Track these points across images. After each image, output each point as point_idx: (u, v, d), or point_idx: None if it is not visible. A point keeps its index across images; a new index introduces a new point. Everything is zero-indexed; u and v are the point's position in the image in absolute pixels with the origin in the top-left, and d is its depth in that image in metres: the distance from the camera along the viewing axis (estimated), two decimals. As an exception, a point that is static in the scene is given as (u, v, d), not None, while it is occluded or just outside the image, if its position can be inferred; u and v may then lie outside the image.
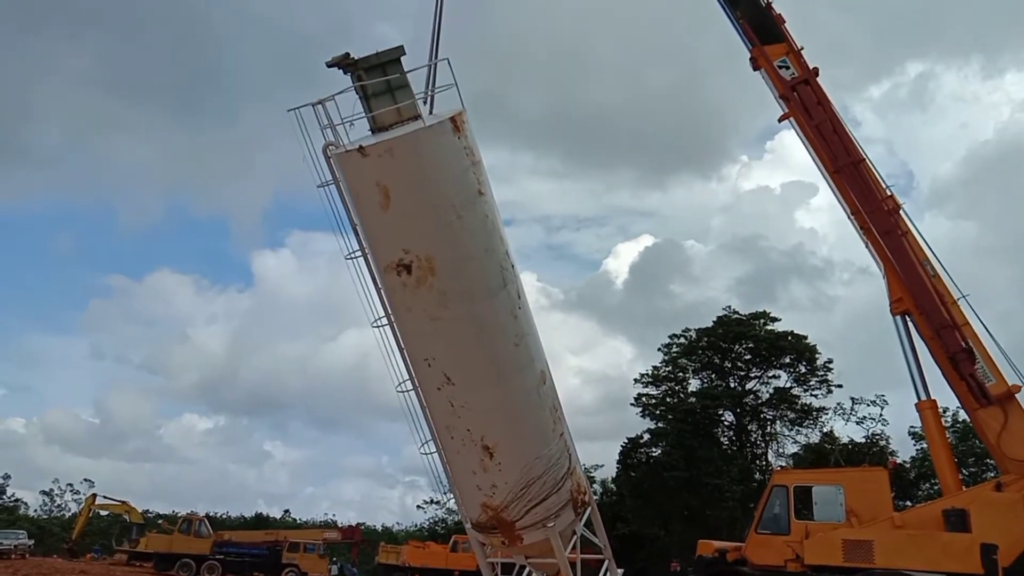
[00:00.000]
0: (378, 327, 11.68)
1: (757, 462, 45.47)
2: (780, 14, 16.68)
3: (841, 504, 15.81)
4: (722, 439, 46.15)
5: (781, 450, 46.00)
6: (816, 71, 16.30)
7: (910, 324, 16.02)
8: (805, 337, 45.56)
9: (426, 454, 12.26)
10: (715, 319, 47.46)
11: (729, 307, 48.14)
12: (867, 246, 16.21)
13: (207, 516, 47.77)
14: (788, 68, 16.42)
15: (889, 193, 16.14)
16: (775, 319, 46.61)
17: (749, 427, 46.80)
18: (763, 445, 46.11)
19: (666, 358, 48.70)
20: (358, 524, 51.99)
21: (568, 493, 11.88)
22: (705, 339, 46.95)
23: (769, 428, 46.38)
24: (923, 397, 16.01)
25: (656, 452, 44.99)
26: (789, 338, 45.32)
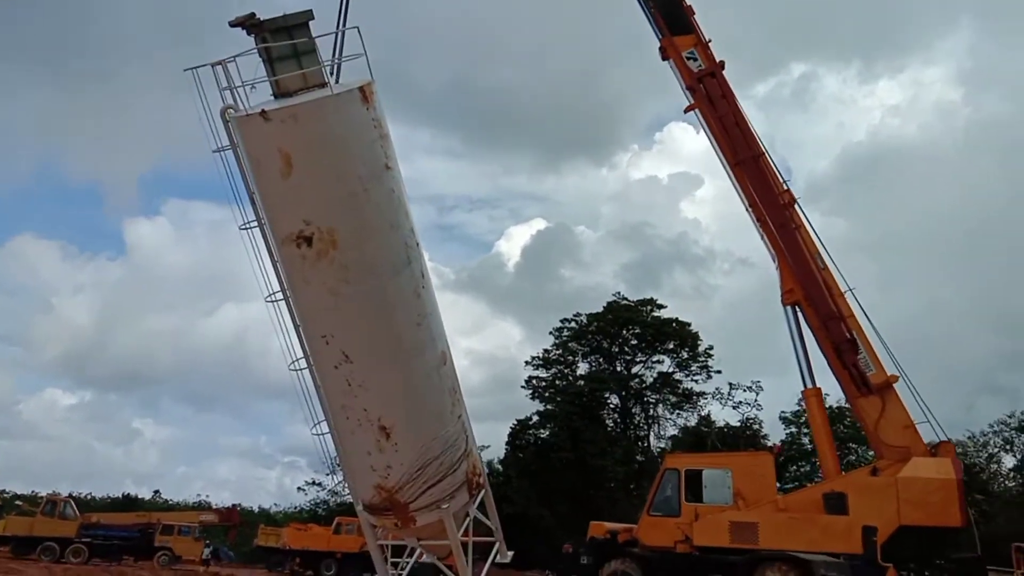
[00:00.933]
0: (272, 302, 11.20)
1: (639, 444, 47.31)
2: (690, 5, 16.96)
3: (729, 487, 16.49)
4: (607, 421, 47.66)
5: (662, 432, 48.08)
6: (722, 64, 16.74)
7: (799, 314, 16.66)
8: (688, 324, 47.69)
9: (318, 435, 11.91)
10: (605, 304, 48.85)
11: (619, 293, 49.72)
12: (762, 237, 16.83)
13: (71, 496, 44.47)
14: (696, 60, 16.76)
15: (785, 188, 16.74)
16: (661, 306, 48.54)
17: (633, 410, 48.57)
18: (646, 428, 48.00)
19: (557, 342, 49.67)
20: (235, 505, 49.90)
21: (464, 475, 11.84)
22: (595, 324, 48.21)
23: (652, 411, 48.31)
24: (809, 385, 16.80)
25: (544, 434, 45.89)
26: (674, 325, 47.24)
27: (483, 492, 12.89)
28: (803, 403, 45.99)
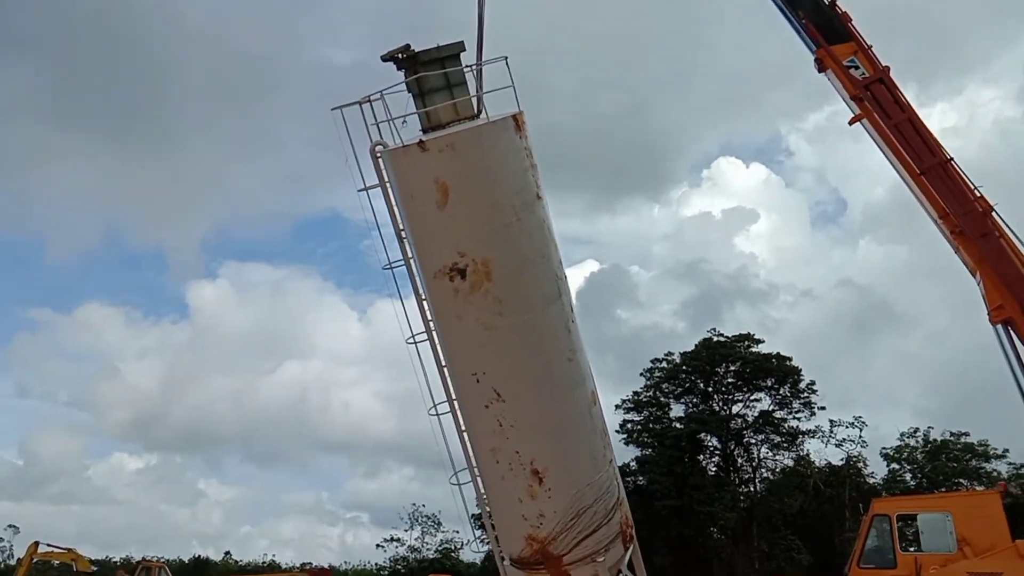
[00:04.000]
0: (413, 343, 10.87)
1: (744, 488, 44.92)
2: (846, 12, 15.72)
3: (951, 532, 14.88)
4: (708, 465, 45.56)
5: (766, 475, 45.61)
6: (887, 69, 15.42)
7: (1012, 332, 14.58)
8: (790, 359, 45.29)
9: (457, 484, 11.35)
10: (698, 342, 47.07)
11: (714, 329, 47.72)
12: (957, 251, 15.20)
13: (160, 561, 44.78)
14: (858, 67, 15.66)
15: (979, 194, 15.11)
16: (759, 340, 46.34)
17: (734, 452, 46.31)
18: (750, 470, 45.58)
19: (648, 383, 48.04)
20: (329, 566, 49.57)
21: (618, 525, 11.03)
22: (690, 363, 46.48)
23: (755, 453, 45.93)
24: None
25: (642, 481, 44.16)
26: (773, 360, 45.01)
27: (633, 546, 12.00)
28: (909, 438, 42.91)
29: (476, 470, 10.96)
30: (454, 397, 10.72)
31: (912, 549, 15.29)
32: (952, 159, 15.16)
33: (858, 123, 15.54)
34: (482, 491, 11.07)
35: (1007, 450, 39.14)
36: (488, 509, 11.21)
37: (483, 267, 9.36)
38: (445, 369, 10.62)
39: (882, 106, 15.29)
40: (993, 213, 14.87)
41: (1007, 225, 14.96)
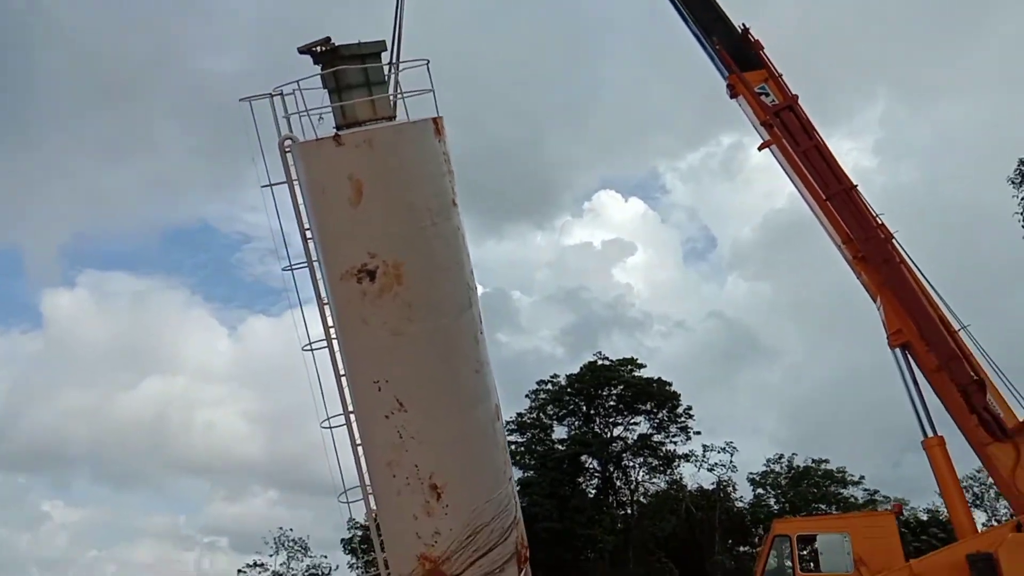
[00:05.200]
0: (310, 350, 10.31)
1: (622, 511, 45.88)
2: (758, 40, 16.19)
3: (848, 553, 15.21)
4: (588, 488, 46.27)
5: (642, 499, 46.82)
6: (796, 97, 15.83)
7: (910, 357, 15.20)
8: (670, 384, 46.85)
9: (347, 502, 10.79)
10: (583, 365, 47.99)
11: (599, 352, 48.76)
12: (859, 277, 15.67)
13: None
14: (768, 95, 15.86)
15: (881, 222, 15.59)
16: (641, 365, 47.72)
17: (613, 475, 47.33)
18: (628, 493, 46.67)
19: (533, 404, 48.43)
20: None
21: (514, 545, 10.77)
22: (574, 385, 47.26)
23: (633, 475, 47.13)
24: (930, 434, 15.14)
25: (524, 503, 44.16)
26: (654, 384, 46.44)
27: (526, 568, 11.77)
28: (774, 464, 45.64)
29: (368, 487, 10.47)
30: (350, 409, 10.24)
31: (811, 568, 15.69)
32: (856, 186, 15.68)
33: (767, 148, 15.98)
34: (373, 508, 10.58)
35: (863, 477, 42.18)
36: (378, 527, 10.70)
37: (394, 269, 9.02)
38: (343, 378, 10.13)
39: (791, 133, 15.68)
40: (894, 240, 15.39)
41: (906, 252, 15.43)
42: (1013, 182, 26.02)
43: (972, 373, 14.81)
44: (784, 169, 16.06)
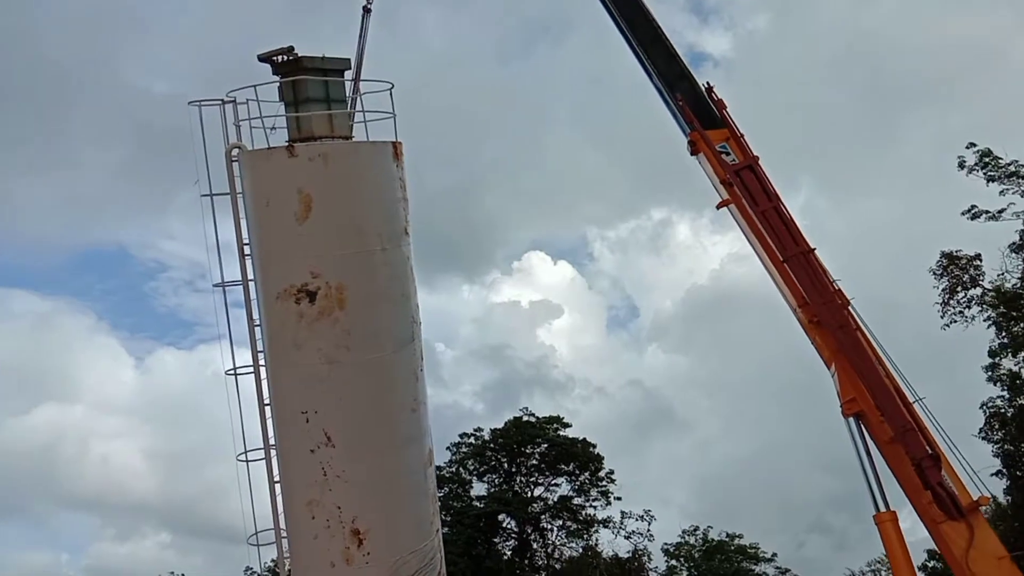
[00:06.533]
0: (234, 375, 9.64)
1: (536, 575, 44.33)
2: (721, 99, 16.14)
3: None
4: (503, 549, 44.78)
5: (556, 564, 45.52)
6: (757, 158, 15.71)
7: (863, 426, 14.70)
8: (594, 446, 46.16)
9: (256, 545, 9.92)
10: (508, 420, 47.14)
11: (526, 408, 47.97)
12: (812, 342, 15.33)
13: None
14: (729, 154, 15.57)
15: (838, 287, 15.25)
16: (567, 424, 47.09)
17: (530, 537, 46.05)
18: (543, 557, 45.31)
19: (453, 458, 47.15)
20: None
21: (437, 602, 10.02)
22: (498, 440, 46.22)
23: (549, 538, 45.90)
24: (882, 508, 14.50)
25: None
26: (579, 445, 45.68)
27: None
28: (689, 536, 45.44)
29: (283, 530, 9.64)
30: (272, 442, 9.52)
31: None
32: (814, 249, 15.42)
33: (725, 207, 15.76)
34: (285, 553, 9.71)
35: (775, 554, 42.12)
36: (289, 574, 9.79)
37: (336, 292, 8.55)
38: (268, 407, 9.44)
39: (751, 193, 15.52)
40: (850, 306, 15.08)
41: (862, 320, 15.13)
42: (935, 274, 26.90)
43: (927, 447, 14.35)
44: (742, 229, 15.79)
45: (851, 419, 15.07)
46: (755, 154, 15.96)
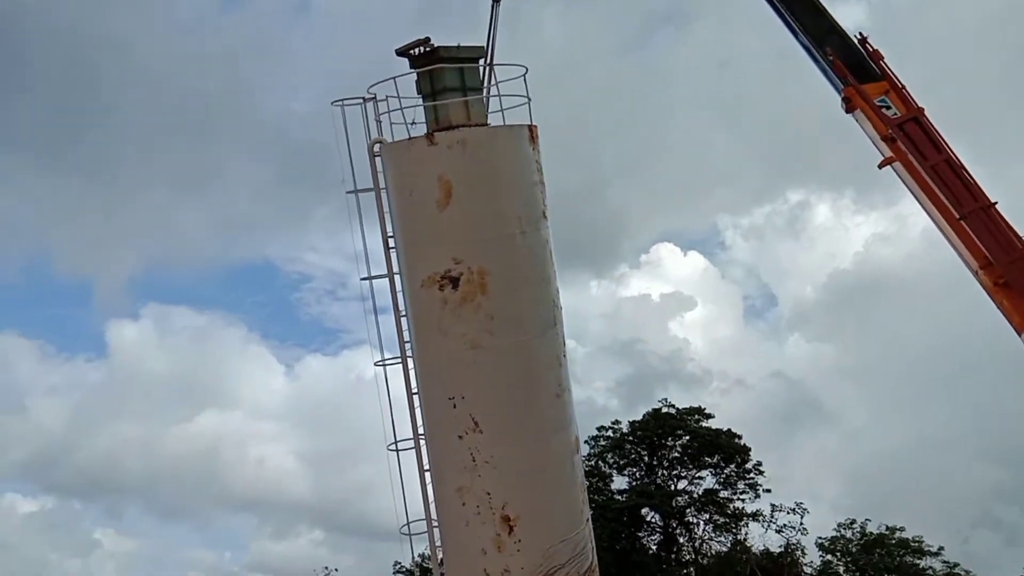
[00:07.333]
0: (382, 366, 9.87)
1: (685, 570, 43.02)
2: (877, 50, 14.84)
3: None
4: (648, 543, 43.73)
5: (703, 558, 43.96)
6: (922, 109, 14.38)
7: None
8: (739, 436, 44.12)
9: (409, 535, 10.08)
10: (648, 412, 46.08)
11: (665, 399, 46.78)
12: (1000, 307, 13.91)
13: None
14: (889, 108, 14.26)
15: None
16: (709, 415, 45.32)
17: (676, 531, 44.65)
18: (691, 551, 43.84)
19: (592, 452, 46.54)
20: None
21: (589, 592, 9.80)
22: (637, 433, 45.17)
23: (696, 532, 44.33)
24: None
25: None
26: (723, 436, 43.82)
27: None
28: (845, 530, 42.53)
29: (434, 520, 9.75)
30: (420, 432, 9.67)
31: None
32: (995, 203, 14.03)
33: (888, 166, 14.41)
34: (437, 542, 9.82)
35: (942, 548, 38.73)
36: (441, 564, 9.89)
37: (478, 277, 8.56)
38: (416, 397, 9.60)
39: (917, 147, 14.22)
40: None
41: None
42: None
43: None
44: (909, 188, 14.31)
45: None
46: (919, 105, 14.45)
